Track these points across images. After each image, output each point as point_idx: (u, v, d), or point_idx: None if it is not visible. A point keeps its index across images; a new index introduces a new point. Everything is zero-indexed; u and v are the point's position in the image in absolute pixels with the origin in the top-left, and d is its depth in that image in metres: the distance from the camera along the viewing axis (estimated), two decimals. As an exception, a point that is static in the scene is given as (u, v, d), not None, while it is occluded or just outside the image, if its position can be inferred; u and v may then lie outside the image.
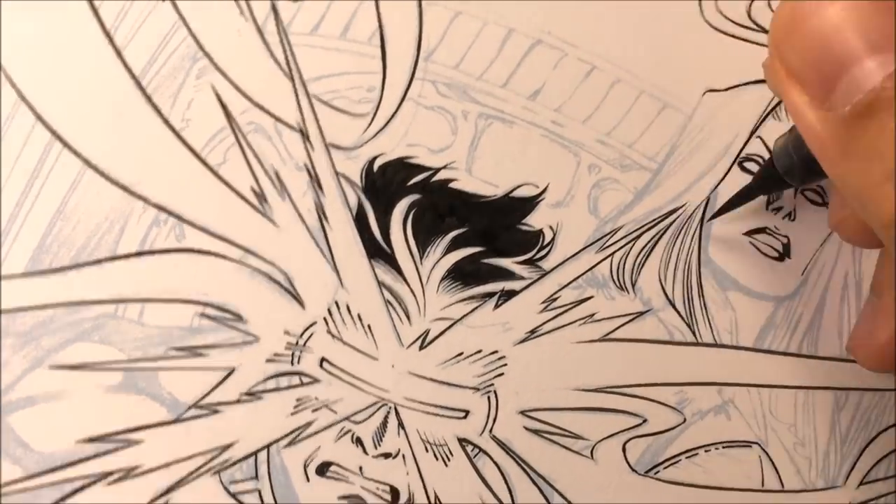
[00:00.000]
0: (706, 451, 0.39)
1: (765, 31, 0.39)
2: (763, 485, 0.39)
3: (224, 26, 0.36)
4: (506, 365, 0.37)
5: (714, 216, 0.38)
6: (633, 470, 0.38)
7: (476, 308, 0.37)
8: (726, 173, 0.39)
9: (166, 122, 0.35)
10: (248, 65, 0.36)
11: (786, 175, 0.35)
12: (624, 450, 0.38)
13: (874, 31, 0.25)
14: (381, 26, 0.37)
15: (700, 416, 0.39)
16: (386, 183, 0.37)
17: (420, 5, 0.37)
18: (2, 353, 0.34)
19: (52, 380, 0.35)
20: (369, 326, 0.36)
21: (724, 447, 0.39)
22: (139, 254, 0.35)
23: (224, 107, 0.36)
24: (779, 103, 0.39)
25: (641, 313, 0.38)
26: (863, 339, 0.38)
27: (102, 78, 0.35)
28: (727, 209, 0.38)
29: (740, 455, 0.39)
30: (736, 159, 0.39)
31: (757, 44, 0.39)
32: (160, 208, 0.36)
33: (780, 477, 0.39)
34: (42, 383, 0.35)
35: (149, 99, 0.35)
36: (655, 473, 0.38)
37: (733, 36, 0.39)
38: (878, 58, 0.25)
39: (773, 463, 0.39)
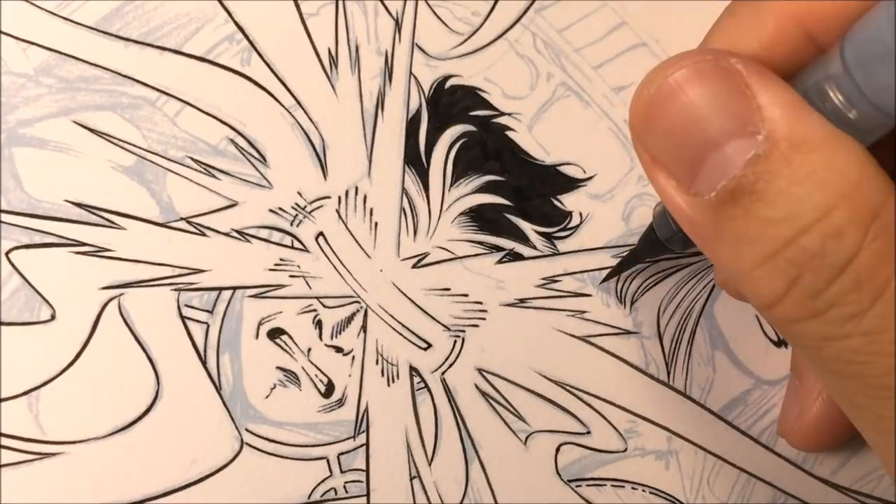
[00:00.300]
0: (633, 488, 0.38)
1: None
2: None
3: None
4: (484, 319, 0.37)
5: (604, 280, 0.38)
6: (558, 473, 0.38)
7: (480, 255, 0.37)
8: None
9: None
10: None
11: (668, 243, 0.34)
12: (557, 450, 0.38)
13: (729, 115, 0.25)
14: (509, -38, 0.38)
15: (641, 453, 0.38)
16: (451, 103, 0.37)
17: None
18: (35, 90, 0.35)
19: (70, 133, 0.35)
20: (376, 224, 0.37)
21: (651, 493, 0.38)
22: (202, 59, 0.36)
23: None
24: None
25: (628, 332, 0.38)
26: (791, 423, 0.38)
27: None
28: (614, 274, 0.38)
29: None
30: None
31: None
32: (239, 27, 0.36)
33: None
34: (60, 132, 0.35)
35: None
36: (577, 486, 0.38)
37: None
38: (736, 143, 0.25)
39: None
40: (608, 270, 0.38)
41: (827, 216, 0.24)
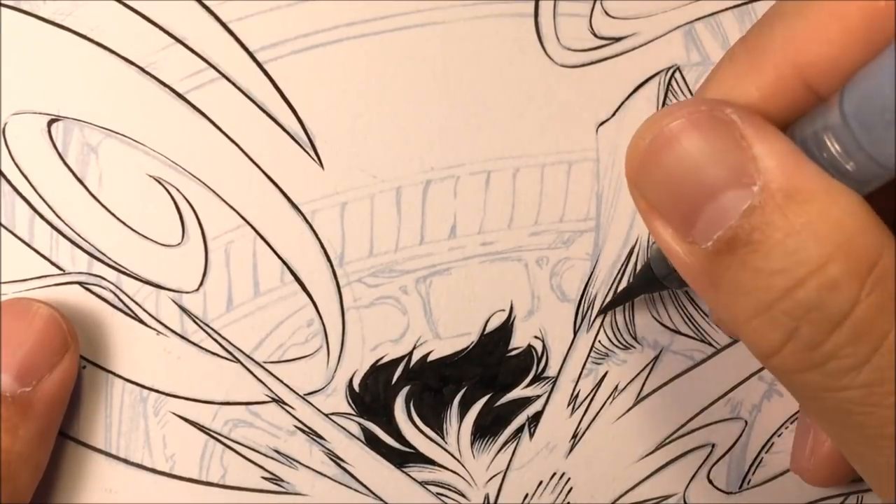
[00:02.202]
0: (779, 435, 0.40)
1: (613, 40, 0.39)
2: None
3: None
4: (570, 479, 0.38)
5: (601, 312, 0.39)
6: (729, 492, 0.39)
7: (515, 448, 0.38)
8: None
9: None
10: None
11: (664, 280, 0.35)
12: (711, 481, 0.39)
13: (725, 166, 0.26)
14: (284, 262, 0.37)
15: (756, 410, 0.40)
16: (373, 395, 0.37)
17: (309, 223, 0.37)
18: None
19: None
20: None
21: (791, 422, 0.40)
22: None
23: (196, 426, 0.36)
24: (668, 93, 0.39)
25: (656, 358, 0.39)
26: (804, 459, 0.39)
27: None
28: (610, 308, 0.39)
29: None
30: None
31: (611, 58, 0.39)
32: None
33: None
34: None
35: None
36: (749, 484, 0.40)
37: (590, 63, 0.39)
38: (732, 193, 0.25)
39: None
40: (602, 308, 0.39)
41: (823, 268, 0.25)
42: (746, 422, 0.40)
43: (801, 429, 0.39)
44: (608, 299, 0.39)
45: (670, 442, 0.39)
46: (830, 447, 0.38)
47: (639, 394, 0.39)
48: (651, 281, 0.35)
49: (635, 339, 0.39)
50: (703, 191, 0.26)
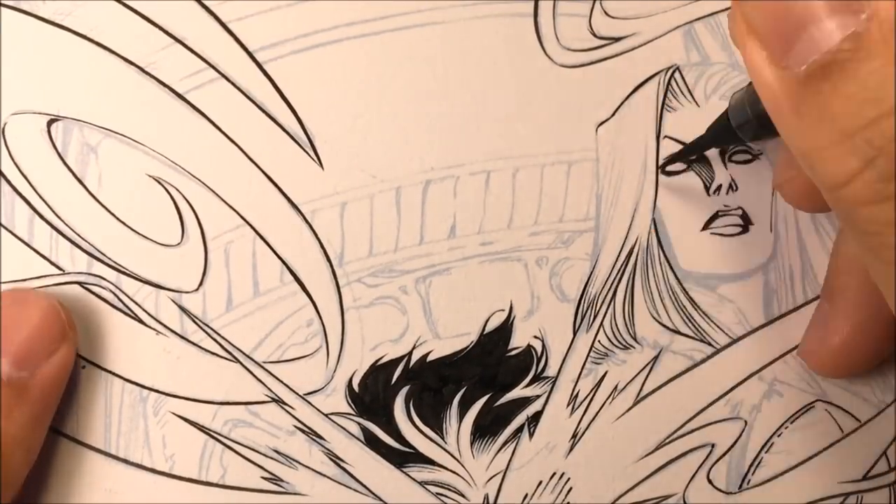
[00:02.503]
0: (778, 435, 0.40)
1: (613, 40, 0.39)
2: (842, 431, 0.40)
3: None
4: (569, 479, 0.38)
5: (666, 163, 0.39)
6: (729, 492, 0.40)
7: (515, 448, 0.38)
8: (656, 189, 0.39)
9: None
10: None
11: (739, 130, 0.35)
12: (710, 481, 0.40)
13: None
14: (283, 262, 0.37)
15: (756, 409, 0.40)
16: (372, 395, 0.37)
17: (308, 222, 0.37)
18: None
19: None
20: (435, 525, 0.38)
21: (790, 422, 0.40)
22: None
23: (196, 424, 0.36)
24: (667, 93, 0.40)
25: (656, 357, 0.39)
26: (815, 346, 0.39)
27: None
28: (678, 158, 0.39)
29: (809, 419, 0.40)
30: (657, 172, 0.39)
31: (611, 58, 0.39)
32: None
33: (853, 415, 0.40)
34: None
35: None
36: (748, 484, 0.40)
37: (590, 63, 0.39)
38: (838, 19, 0.26)
39: (840, 407, 0.40)
40: (666, 160, 0.40)
41: None
42: (746, 422, 0.40)
43: (818, 315, 0.40)
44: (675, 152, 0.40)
45: (670, 442, 0.39)
46: (845, 337, 0.38)
47: (638, 394, 0.39)
48: (724, 131, 0.36)
49: (635, 339, 0.39)
50: (808, 13, 0.26)
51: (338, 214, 0.37)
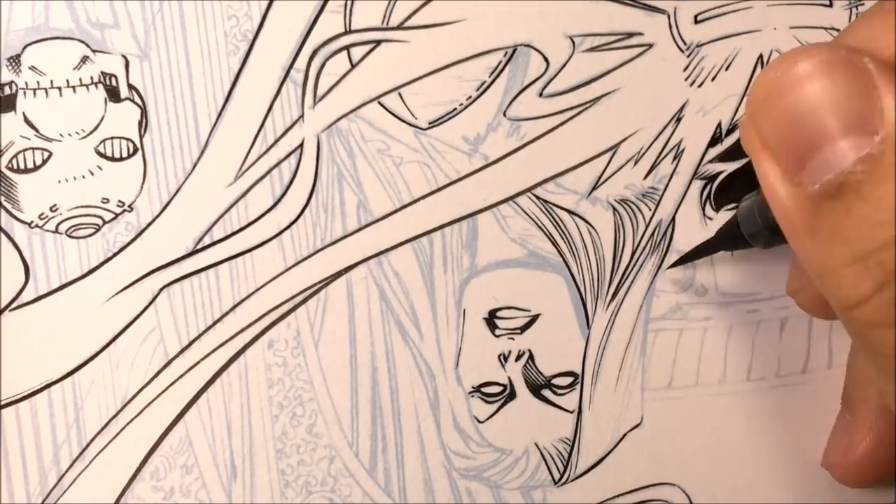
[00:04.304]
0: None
1: None
2: None
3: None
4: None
5: (674, 265, 0.41)
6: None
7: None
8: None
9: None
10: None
11: (750, 239, 0.36)
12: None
13: (850, 112, 0.26)
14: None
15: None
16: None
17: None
18: None
19: None
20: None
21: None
22: None
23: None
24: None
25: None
26: (839, 457, 0.40)
27: None
28: (687, 260, 0.41)
29: None
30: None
31: None
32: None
33: None
34: None
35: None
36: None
37: None
38: (852, 140, 0.26)
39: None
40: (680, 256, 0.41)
41: None
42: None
43: (840, 425, 0.40)
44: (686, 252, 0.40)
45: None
46: (868, 447, 0.38)
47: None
48: (736, 238, 0.37)
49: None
50: (822, 132, 0.27)
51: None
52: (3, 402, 0.38)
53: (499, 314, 0.41)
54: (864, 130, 0.26)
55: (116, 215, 0.38)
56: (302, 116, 0.39)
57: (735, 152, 0.41)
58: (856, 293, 0.27)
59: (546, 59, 0.40)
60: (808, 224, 0.28)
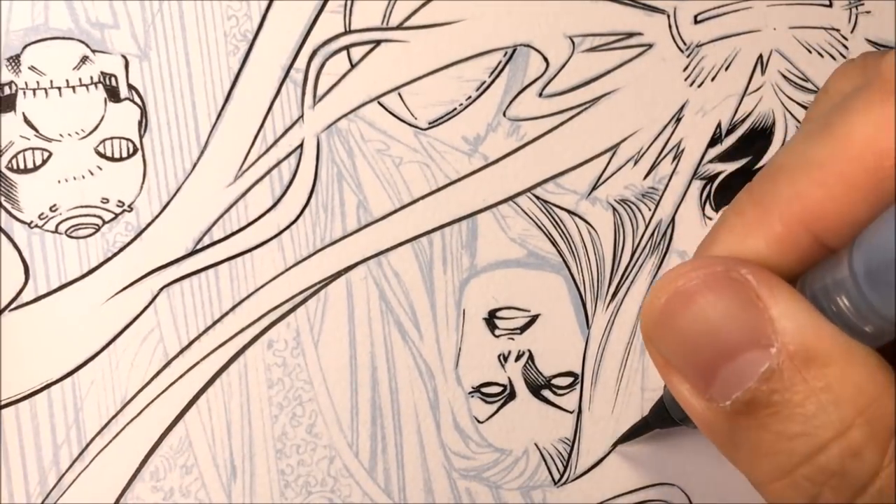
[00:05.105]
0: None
1: None
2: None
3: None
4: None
5: (617, 443, 0.41)
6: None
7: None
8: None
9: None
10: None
11: (681, 422, 0.36)
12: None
13: (741, 327, 0.26)
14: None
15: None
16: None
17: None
18: None
19: None
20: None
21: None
22: None
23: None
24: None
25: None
26: None
27: None
28: (626, 439, 0.41)
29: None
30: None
31: None
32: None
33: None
34: None
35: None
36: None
37: None
38: (751, 354, 0.26)
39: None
40: (620, 435, 0.41)
41: (844, 434, 0.25)
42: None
43: None
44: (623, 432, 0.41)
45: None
46: None
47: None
48: (667, 420, 0.37)
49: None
50: (720, 351, 0.26)
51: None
52: (3, 402, 0.38)
53: (498, 314, 0.41)
54: (760, 343, 0.26)
55: (116, 215, 0.39)
56: (302, 116, 0.39)
57: (735, 152, 0.42)
58: None
59: (546, 60, 0.41)
60: (730, 439, 0.27)
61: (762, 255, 0.28)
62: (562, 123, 0.41)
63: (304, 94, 0.39)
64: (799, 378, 0.25)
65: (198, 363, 0.39)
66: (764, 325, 0.26)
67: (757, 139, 0.42)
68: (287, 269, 0.39)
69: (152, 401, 0.39)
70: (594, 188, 0.41)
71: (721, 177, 0.42)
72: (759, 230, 0.28)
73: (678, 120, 0.41)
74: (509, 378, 0.41)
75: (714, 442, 0.28)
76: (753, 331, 0.26)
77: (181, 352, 0.39)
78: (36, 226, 0.38)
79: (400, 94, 0.40)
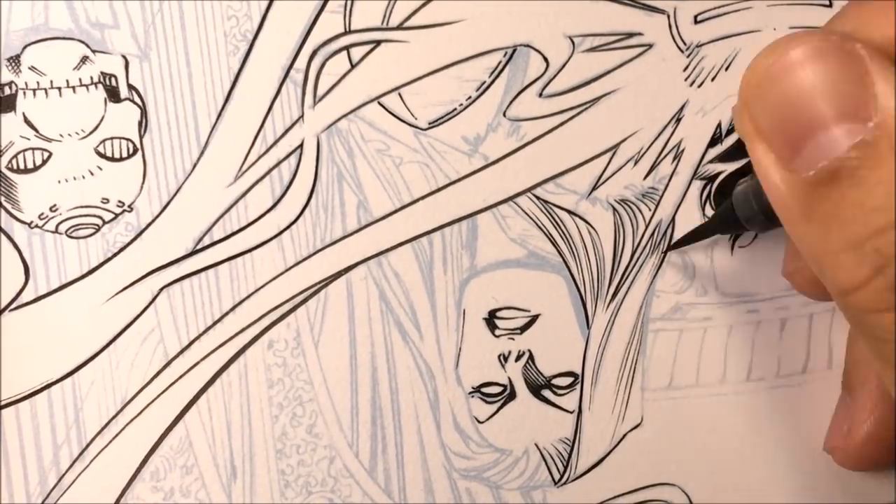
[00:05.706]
0: None
1: None
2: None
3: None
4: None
5: (671, 248, 0.41)
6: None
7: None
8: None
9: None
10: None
11: (746, 223, 0.36)
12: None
13: (844, 98, 0.26)
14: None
15: None
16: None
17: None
18: None
19: None
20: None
21: None
22: None
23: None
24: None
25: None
26: (839, 441, 0.39)
27: None
28: (683, 243, 0.41)
29: None
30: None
31: None
32: None
33: None
34: None
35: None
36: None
37: None
38: (846, 126, 0.26)
39: None
40: (677, 239, 0.41)
41: None
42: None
43: (841, 409, 0.40)
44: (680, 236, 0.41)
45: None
46: (869, 430, 0.38)
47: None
48: (732, 221, 0.37)
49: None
50: (816, 119, 0.27)
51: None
52: (3, 402, 0.38)
53: (499, 314, 0.41)
54: (858, 117, 0.26)
55: (116, 215, 0.39)
56: (302, 116, 0.39)
57: (735, 152, 0.42)
58: (853, 278, 0.27)
59: (546, 60, 0.41)
60: (804, 210, 0.28)
61: (883, 43, 0.28)
62: (562, 123, 0.41)
63: (304, 94, 0.39)
64: (890, 154, 0.26)
65: (198, 363, 0.39)
66: (867, 99, 0.26)
67: (757, 139, 0.42)
68: (287, 270, 0.40)
69: (152, 401, 0.39)
70: (594, 188, 0.41)
71: (721, 177, 0.42)
72: (877, 20, 0.28)
73: (678, 120, 0.41)
74: (509, 378, 0.41)
75: (784, 217, 0.29)
76: (855, 103, 0.26)
77: (181, 352, 0.39)
78: (36, 226, 0.38)
79: (400, 95, 0.40)
